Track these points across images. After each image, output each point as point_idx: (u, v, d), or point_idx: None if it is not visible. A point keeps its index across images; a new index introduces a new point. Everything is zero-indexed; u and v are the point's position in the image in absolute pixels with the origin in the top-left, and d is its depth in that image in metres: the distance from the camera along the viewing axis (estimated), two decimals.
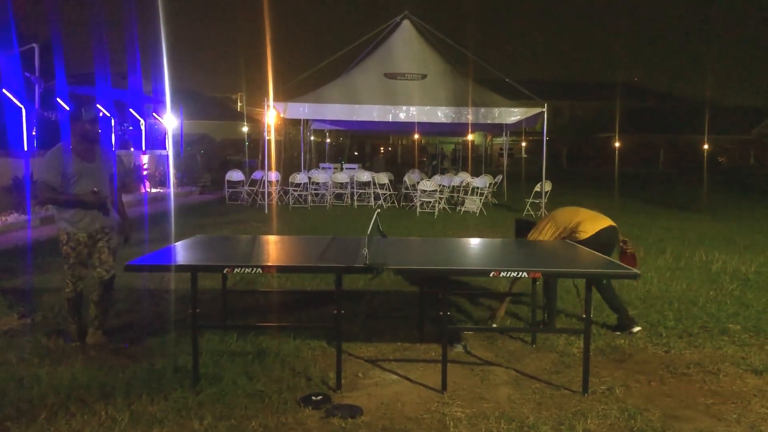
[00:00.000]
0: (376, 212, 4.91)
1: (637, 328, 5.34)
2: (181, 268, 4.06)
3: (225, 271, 3.90)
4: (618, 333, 5.32)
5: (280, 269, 4.01)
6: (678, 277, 7.51)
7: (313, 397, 3.90)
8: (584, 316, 4.12)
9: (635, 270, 4.03)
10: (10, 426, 3.52)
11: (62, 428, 3.50)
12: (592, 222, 5.34)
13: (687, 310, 6.05)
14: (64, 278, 4.84)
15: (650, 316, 5.82)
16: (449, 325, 4.38)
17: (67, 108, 15.44)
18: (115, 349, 4.73)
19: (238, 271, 3.94)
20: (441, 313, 4.12)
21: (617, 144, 40.92)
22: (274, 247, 5.16)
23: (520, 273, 3.89)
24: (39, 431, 3.47)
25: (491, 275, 3.96)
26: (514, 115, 15.15)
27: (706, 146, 43.86)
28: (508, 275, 3.93)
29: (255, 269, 3.95)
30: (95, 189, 4.70)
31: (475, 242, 5.68)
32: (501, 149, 37.19)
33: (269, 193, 15.18)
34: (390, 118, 14.89)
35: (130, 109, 19.13)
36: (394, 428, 3.60)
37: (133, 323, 5.43)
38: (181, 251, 4.59)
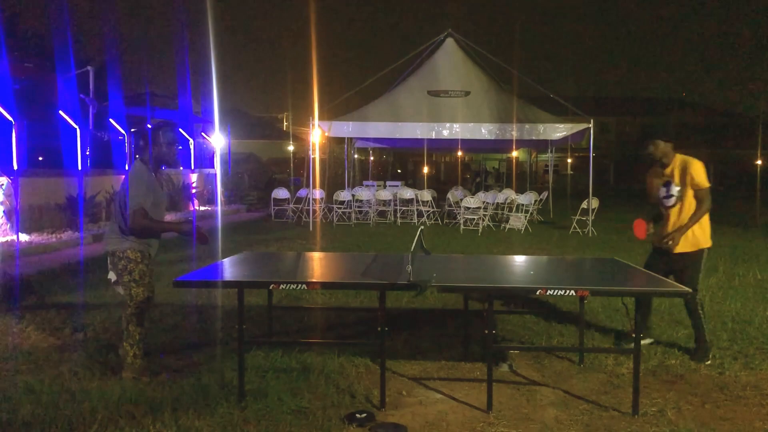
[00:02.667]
0: (419, 229, 4.90)
1: (709, 362, 5.00)
2: (228, 284, 4.12)
3: (271, 287, 3.94)
4: (692, 360, 5.03)
5: (325, 285, 4.03)
6: (731, 296, 7.28)
7: (358, 415, 3.89)
8: (633, 335, 4.02)
9: (686, 288, 3.91)
10: None
11: None
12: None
13: (742, 330, 5.84)
14: (135, 300, 4.49)
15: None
16: (494, 344, 4.32)
17: (121, 129, 15.94)
18: (159, 366, 4.80)
19: (284, 287, 3.98)
20: (486, 331, 4.08)
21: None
22: (318, 264, 5.20)
23: (568, 291, 3.82)
24: None
25: (537, 293, 3.91)
26: (559, 131, 15.00)
27: (759, 161, 42.49)
28: (554, 293, 3.87)
29: (300, 285, 3.97)
30: (188, 218, 4.70)
31: (520, 259, 5.61)
32: (546, 166, 36.84)
33: (314, 211, 15.33)
34: (433, 135, 14.92)
35: (180, 129, 19.59)
36: None
37: (179, 339, 5.53)
38: (228, 267, 4.66)
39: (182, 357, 5.00)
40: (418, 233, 4.75)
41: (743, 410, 4.14)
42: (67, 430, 3.70)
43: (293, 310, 6.38)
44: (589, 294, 3.88)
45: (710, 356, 5.05)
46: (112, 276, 4.58)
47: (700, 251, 5.04)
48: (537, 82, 16.41)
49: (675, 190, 5.03)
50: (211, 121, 20.41)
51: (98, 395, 4.16)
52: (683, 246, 5.02)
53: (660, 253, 5.19)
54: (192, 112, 21.07)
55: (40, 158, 13.76)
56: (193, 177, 19.22)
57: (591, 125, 14.61)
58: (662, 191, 5.15)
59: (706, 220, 5.07)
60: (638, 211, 4.88)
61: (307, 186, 15.80)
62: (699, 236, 5.03)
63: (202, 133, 20.98)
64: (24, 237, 11.11)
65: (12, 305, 6.49)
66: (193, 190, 18.29)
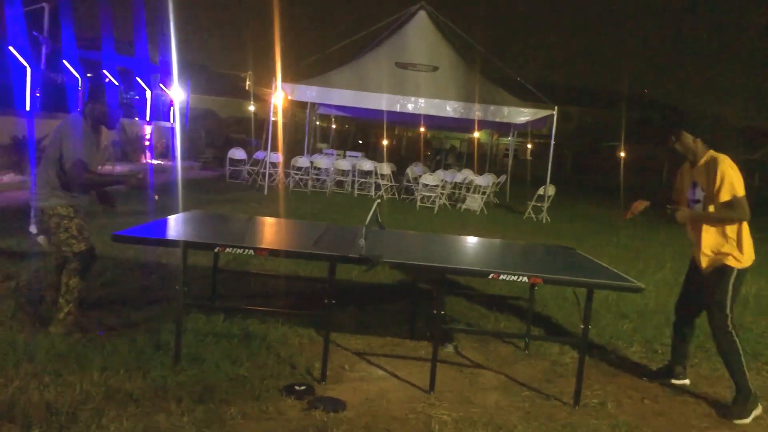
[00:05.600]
0: (376, 203, 4.77)
1: (756, 413, 4.10)
2: (170, 243, 3.92)
3: (216, 250, 3.76)
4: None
5: (273, 253, 3.87)
6: (676, 293, 7.33)
7: (297, 387, 3.77)
8: (582, 326, 3.99)
9: (639, 284, 3.89)
10: None
11: (34, 398, 3.37)
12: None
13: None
14: (77, 254, 4.29)
15: (646, 331, 5.69)
16: (441, 325, 4.25)
17: (75, 72, 15.27)
18: (93, 322, 4.58)
19: (230, 250, 3.81)
20: (434, 311, 4.00)
21: (622, 154, 40.73)
22: (269, 230, 5.03)
23: (521, 277, 3.75)
24: (9, 400, 3.34)
25: (490, 277, 3.83)
26: (523, 115, 14.99)
27: None
28: (507, 278, 3.80)
29: (247, 250, 3.81)
30: (140, 175, 4.49)
31: (475, 241, 5.54)
32: (506, 149, 37.00)
33: (270, 175, 15.03)
34: (398, 108, 14.73)
35: (137, 78, 18.94)
36: (377, 427, 3.48)
37: (118, 295, 5.30)
38: (173, 226, 4.45)
39: (119, 314, 4.79)
40: (374, 207, 4.63)
41: (680, 407, 4.18)
42: None
43: (239, 275, 6.20)
44: (541, 282, 3.83)
45: (752, 412, 4.08)
46: (33, 229, 4.36)
47: (726, 268, 4.12)
48: (505, 65, 16.29)
49: (701, 194, 4.17)
50: (170, 73, 19.76)
51: (24, 348, 3.94)
52: (708, 262, 4.21)
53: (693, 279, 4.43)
54: (149, 60, 20.31)
55: None
56: (148, 129, 18.64)
57: (555, 112, 14.64)
58: (689, 193, 4.29)
59: (741, 233, 4.13)
60: (594, 202, 4.76)
61: (266, 149, 15.45)
62: (727, 251, 4.12)
63: (160, 84, 20.32)
64: None
65: None
66: (147, 143, 17.75)
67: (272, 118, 15.30)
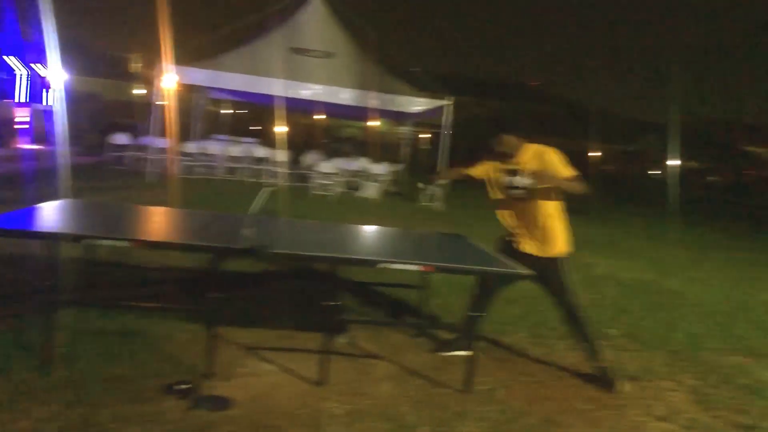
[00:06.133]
0: (265, 189, 4.60)
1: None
2: (36, 236, 3.57)
3: (82, 242, 3.46)
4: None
5: (151, 245, 3.61)
6: None
7: (179, 386, 3.56)
8: (472, 313, 4.01)
9: (527, 272, 3.95)
10: None
11: None
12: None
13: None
14: None
15: (534, 316, 5.84)
16: (334, 316, 4.15)
17: None
18: None
19: (103, 242, 3.52)
20: (326, 302, 3.89)
21: None
22: (150, 219, 4.73)
23: (413, 266, 3.71)
24: None
25: (380, 266, 3.76)
26: (418, 104, 15.13)
27: (594, 153, 46.16)
28: (399, 267, 3.75)
29: (121, 242, 3.54)
30: None
31: (368, 230, 5.47)
32: (403, 138, 37.36)
33: (156, 161, 14.36)
34: (292, 94, 14.43)
35: (4, 56, 17.51)
36: (264, 424, 3.34)
37: None
38: (42, 215, 4.08)
39: None
40: (262, 193, 4.45)
41: (566, 390, 4.30)
42: None
43: (119, 268, 5.83)
44: (433, 270, 3.80)
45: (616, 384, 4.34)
46: None
47: (556, 260, 4.39)
48: (402, 54, 16.38)
49: (524, 181, 4.35)
50: (44, 50, 18.39)
51: None
52: (536, 248, 4.41)
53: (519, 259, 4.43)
54: (21, 36, 18.82)
55: None
56: (21, 111, 17.30)
57: (450, 103, 14.86)
58: (506, 180, 4.46)
59: (562, 222, 4.42)
60: (484, 194, 4.79)
61: (152, 134, 14.72)
62: (553, 240, 4.39)
63: (38, 64, 18.90)
64: None
65: None
66: (18, 126, 16.47)
67: (159, 101, 14.59)
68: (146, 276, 5.77)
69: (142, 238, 3.60)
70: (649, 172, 52.81)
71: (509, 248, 4.52)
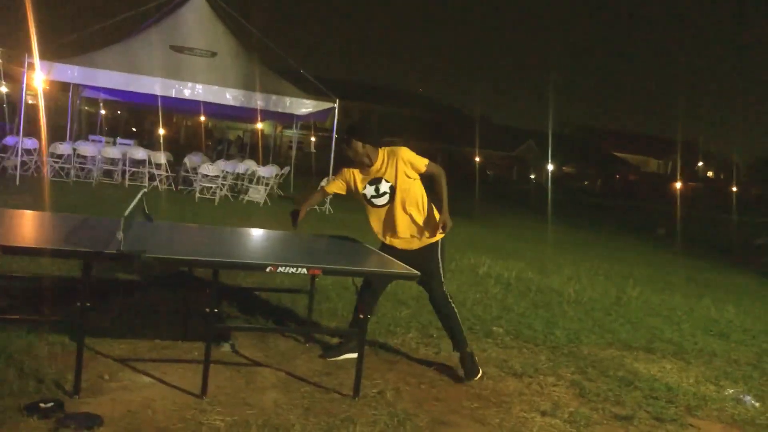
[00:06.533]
0: (141, 191, 4.32)
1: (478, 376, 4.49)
2: None
3: None
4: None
5: (8, 250, 3.26)
6: (448, 279, 7.73)
7: (42, 404, 3.23)
8: (360, 316, 3.94)
9: (415, 272, 3.92)
10: None
11: None
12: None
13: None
14: None
15: (422, 316, 5.85)
16: (215, 324, 3.94)
17: None
18: None
19: None
20: (207, 309, 3.68)
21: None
22: (13, 223, 4.31)
23: (300, 269, 3.58)
24: None
25: (268, 270, 3.60)
26: (305, 106, 14.95)
27: (477, 158, 47.84)
28: (286, 271, 3.60)
29: None
30: None
31: (254, 233, 5.28)
32: (290, 141, 36.98)
33: (24, 163, 13.32)
34: (173, 94, 13.82)
35: None
36: None
37: None
38: None
39: None
40: (138, 196, 4.17)
41: (454, 390, 4.32)
42: None
43: None
44: (321, 273, 3.69)
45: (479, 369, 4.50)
46: None
47: (434, 244, 4.49)
48: (287, 55, 16.10)
49: (387, 186, 4.37)
50: None
51: None
52: (412, 242, 4.49)
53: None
54: None
55: None
56: None
57: (336, 105, 14.80)
58: (369, 190, 4.43)
59: (431, 211, 4.51)
60: None
61: (18, 134, 13.64)
62: (424, 228, 4.47)
63: None
64: None
65: None
66: None
67: (27, 101, 13.56)
68: (7, 285, 5.26)
69: (1, 243, 3.24)
70: (531, 177, 55.41)
71: (388, 250, 4.51)
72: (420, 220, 4.45)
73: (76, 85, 16.56)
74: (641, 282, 9.56)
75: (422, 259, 4.42)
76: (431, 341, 5.26)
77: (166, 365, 4.08)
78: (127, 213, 3.53)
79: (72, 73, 13.30)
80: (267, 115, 17.17)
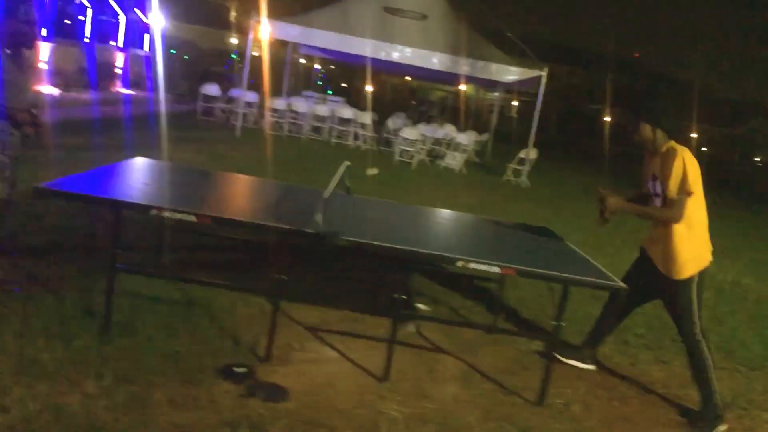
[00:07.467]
0: (343, 164, 4.35)
1: (723, 427, 3.83)
2: (100, 202, 3.46)
3: (152, 213, 3.32)
4: None
5: (218, 221, 3.43)
6: None
7: (236, 369, 3.41)
8: (554, 322, 3.66)
9: (620, 284, 3.55)
10: None
11: None
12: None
13: (659, 317, 5.62)
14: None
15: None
16: (402, 309, 3.89)
17: None
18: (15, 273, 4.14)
19: (169, 214, 3.36)
20: (395, 295, 3.63)
21: (608, 119, 40.36)
22: (221, 189, 4.58)
23: (492, 267, 3.38)
24: None
25: (458, 264, 3.44)
26: (511, 74, 14.45)
27: (693, 134, 43.63)
28: (478, 267, 3.42)
29: (188, 215, 3.37)
30: (33, 110, 3.99)
31: (446, 216, 5.14)
32: (492, 105, 36.45)
33: (245, 115, 14.40)
34: (383, 56, 14.04)
35: (110, 1, 17.90)
36: (320, 423, 3.13)
37: (55, 242, 4.85)
38: (110, 178, 3.99)
39: (51, 266, 4.35)
40: (340, 170, 4.20)
41: (649, 410, 3.92)
42: None
43: (188, 233, 5.74)
44: (514, 273, 3.46)
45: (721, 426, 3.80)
46: None
47: (684, 281, 3.79)
48: (498, 17, 15.63)
49: (659, 188, 3.79)
50: None
51: None
52: (663, 265, 3.85)
53: (644, 263, 4.02)
54: None
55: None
56: (120, 56, 17.72)
57: (545, 73, 14.14)
58: (650, 186, 3.90)
59: (693, 237, 3.79)
60: (576, 167, 4.33)
61: (242, 86, 14.74)
62: (674, 260, 3.79)
63: (135, 9, 19.25)
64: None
65: None
66: (117, 71, 16.89)
67: (252, 53, 14.54)
68: (214, 244, 5.66)
69: (210, 214, 3.42)
70: (756, 159, 49.52)
71: (643, 251, 4.07)
72: (673, 247, 3.77)
73: (295, 42, 17.45)
74: None
75: (668, 290, 3.86)
76: (627, 349, 4.84)
77: (351, 340, 4.13)
78: (327, 194, 3.55)
79: (293, 31, 13.99)
80: (471, 78, 16.89)
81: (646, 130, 3.77)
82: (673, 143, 3.76)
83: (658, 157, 3.78)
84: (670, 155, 3.67)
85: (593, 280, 3.53)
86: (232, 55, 29.22)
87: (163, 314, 3.92)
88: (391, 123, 15.59)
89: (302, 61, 24.67)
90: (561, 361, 4.16)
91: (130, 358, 3.36)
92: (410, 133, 14.22)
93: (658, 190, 3.79)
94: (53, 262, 4.44)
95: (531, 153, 14.19)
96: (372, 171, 3.90)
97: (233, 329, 3.94)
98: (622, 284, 3.54)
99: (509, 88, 19.14)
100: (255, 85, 15.74)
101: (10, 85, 3.82)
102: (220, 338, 3.79)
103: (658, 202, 3.83)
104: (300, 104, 15.36)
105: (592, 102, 47.90)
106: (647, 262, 3.96)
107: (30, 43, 4.03)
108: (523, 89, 17.50)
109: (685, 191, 3.64)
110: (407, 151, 14.17)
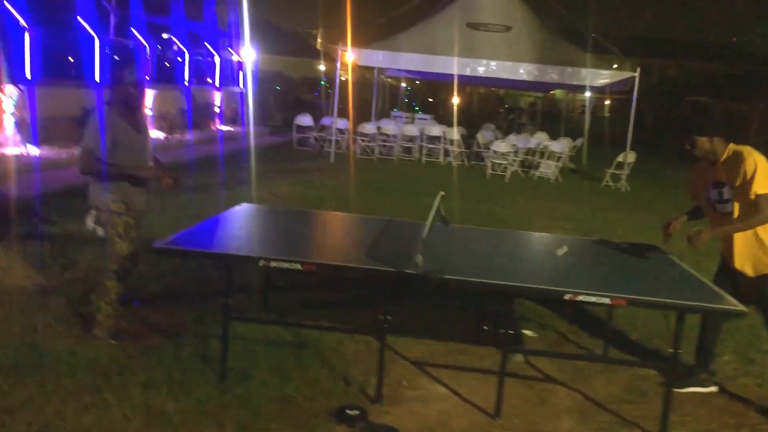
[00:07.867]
0: (438, 195, 4.36)
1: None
2: (214, 257, 3.63)
3: (261, 264, 3.46)
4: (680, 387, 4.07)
5: (321, 267, 3.53)
6: None
7: (348, 411, 3.47)
8: (670, 350, 3.50)
9: (741, 308, 3.35)
10: (17, 413, 3.23)
11: (70, 422, 3.19)
12: None
13: None
14: (119, 255, 4.09)
15: (739, 333, 5.06)
16: (510, 345, 3.83)
17: (142, 40, 15.26)
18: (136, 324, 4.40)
19: (276, 264, 3.49)
20: (502, 330, 3.59)
21: None
22: (320, 232, 4.70)
23: (602, 298, 3.28)
24: (46, 424, 3.17)
25: (567, 297, 3.36)
26: (602, 77, 14.03)
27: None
28: (587, 299, 3.33)
29: (293, 264, 3.49)
30: (152, 164, 4.24)
31: (549, 242, 5.03)
32: (583, 106, 35.46)
33: (337, 141, 14.73)
34: (468, 72, 14.00)
35: (205, 43, 18.81)
36: None
37: (170, 290, 5.13)
38: (219, 228, 4.19)
39: (167, 313, 4.60)
40: (435, 202, 4.22)
41: None
42: (27, 401, 3.33)
43: (292, 273, 5.92)
44: (625, 304, 3.34)
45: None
46: (89, 223, 4.18)
47: None
48: (581, 16, 15.22)
49: (729, 192, 3.79)
50: (238, 36, 19.56)
51: (67, 360, 3.78)
52: (757, 267, 3.83)
53: (727, 273, 3.99)
54: (217, 24, 20.07)
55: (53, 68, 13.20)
56: (217, 96, 18.57)
57: (637, 75, 13.63)
58: (711, 194, 3.93)
59: None
60: (675, 166, 4.19)
61: (332, 114, 15.10)
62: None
63: (228, 48, 20.14)
64: (34, 151, 10.73)
65: (4, 232, 6.12)
66: (216, 109, 17.70)
67: (341, 79, 14.83)
68: (318, 281, 5.79)
69: (313, 261, 3.54)
70: None
71: (724, 266, 4.02)
72: (763, 238, 3.78)
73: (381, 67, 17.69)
74: None
75: (758, 285, 3.83)
76: (751, 368, 4.55)
77: (460, 373, 4.11)
78: (425, 234, 3.57)
79: (378, 57, 14.22)
80: (560, 84, 16.53)
81: (703, 143, 3.81)
82: (732, 146, 3.80)
83: (720, 165, 3.81)
84: (738, 158, 3.70)
85: (711, 306, 3.35)
86: (321, 82, 29.98)
87: (274, 357, 4.05)
88: (481, 137, 15.46)
89: (389, 80, 24.94)
90: (680, 393, 3.98)
91: (247, 406, 3.48)
92: (501, 146, 14.06)
93: (727, 195, 3.80)
94: (169, 309, 4.69)
95: (629, 156, 13.68)
96: (562, 251, 3.95)
97: (342, 368, 4.01)
98: (743, 308, 3.34)
99: (601, 90, 18.55)
100: (343, 109, 16.08)
101: (128, 148, 4.05)
102: (330, 379, 3.87)
103: (728, 207, 3.82)
104: (389, 126, 15.54)
105: (690, 94, 45.55)
106: (730, 269, 3.92)
107: (138, 102, 4.23)
108: (616, 89, 16.88)
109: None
110: (500, 164, 14.01)
